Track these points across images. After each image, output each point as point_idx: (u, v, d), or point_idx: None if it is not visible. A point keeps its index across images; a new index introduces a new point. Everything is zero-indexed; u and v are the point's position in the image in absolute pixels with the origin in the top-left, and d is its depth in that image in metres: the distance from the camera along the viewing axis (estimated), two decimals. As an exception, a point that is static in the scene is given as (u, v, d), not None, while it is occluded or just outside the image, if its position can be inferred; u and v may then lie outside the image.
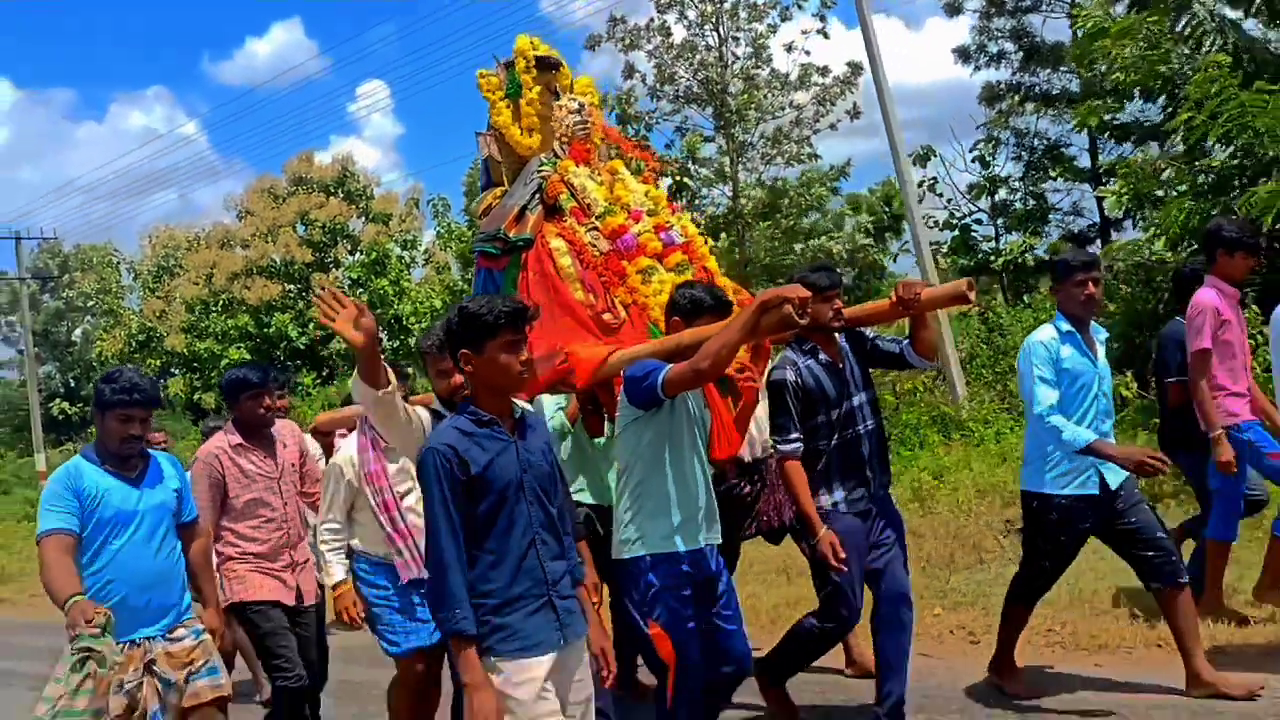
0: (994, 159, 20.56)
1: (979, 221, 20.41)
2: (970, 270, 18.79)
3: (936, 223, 19.95)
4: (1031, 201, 20.86)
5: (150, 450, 4.23)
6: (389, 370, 3.64)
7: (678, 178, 18.82)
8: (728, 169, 19.69)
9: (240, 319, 26.13)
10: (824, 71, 19.12)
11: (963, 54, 22.04)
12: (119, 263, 34.51)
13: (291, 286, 27.00)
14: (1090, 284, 4.93)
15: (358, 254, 26.99)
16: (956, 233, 19.82)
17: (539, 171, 5.43)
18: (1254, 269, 5.94)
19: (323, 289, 3.63)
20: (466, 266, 25.39)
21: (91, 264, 35.29)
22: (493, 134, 5.70)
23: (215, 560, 4.88)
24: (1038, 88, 21.47)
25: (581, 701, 3.36)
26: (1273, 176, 8.61)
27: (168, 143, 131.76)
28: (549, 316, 4.97)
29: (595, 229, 5.20)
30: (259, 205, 27.66)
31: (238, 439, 5.15)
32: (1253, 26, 12.60)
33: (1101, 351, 5.05)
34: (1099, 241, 20.40)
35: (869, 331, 4.99)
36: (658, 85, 19.23)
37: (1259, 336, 6.71)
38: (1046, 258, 17.83)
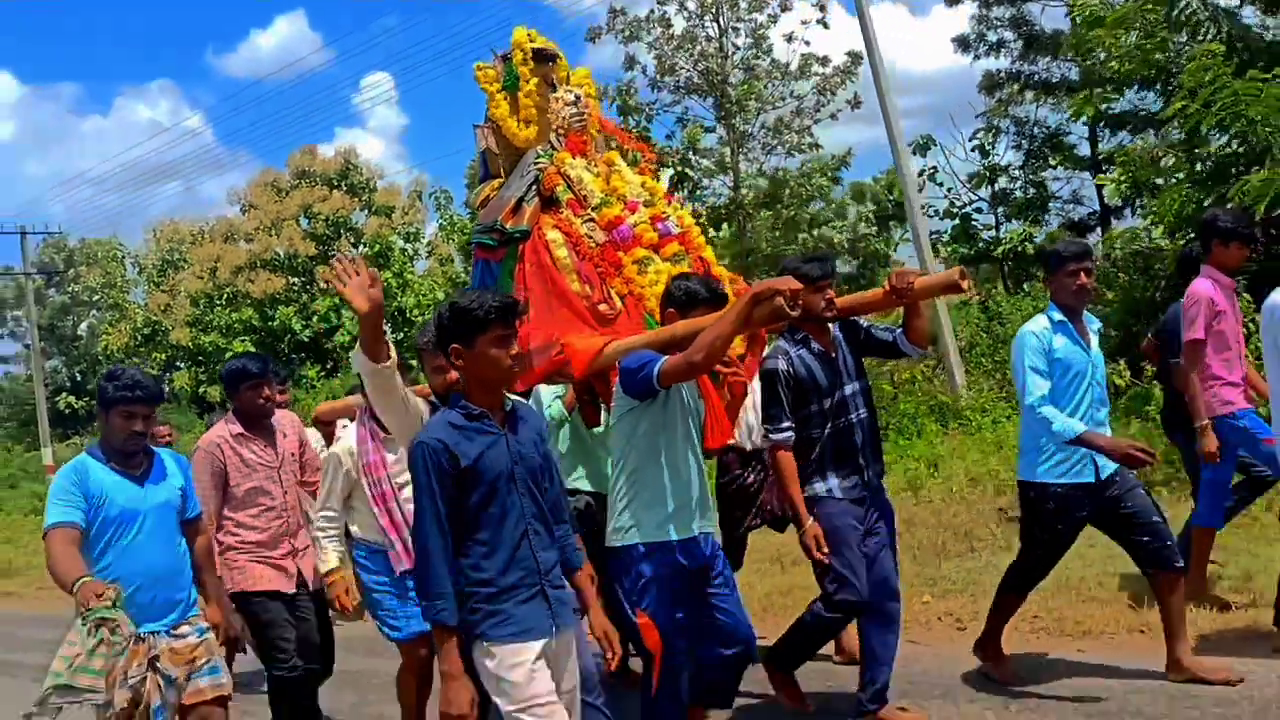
0: (994, 148, 20.59)
1: (979, 210, 20.46)
2: (970, 259, 18.82)
3: (936, 212, 19.98)
4: (1031, 190, 20.88)
5: (154, 448, 4.28)
6: (390, 346, 3.69)
7: (679, 168, 18.85)
8: (729, 159, 19.70)
9: (244, 312, 26.23)
10: (824, 61, 19.13)
11: (962, 43, 22.03)
12: (124, 257, 34.55)
13: (295, 280, 27.08)
14: (1082, 274, 4.95)
15: (361, 247, 27.02)
16: (956, 221, 19.84)
17: (536, 163, 5.46)
18: (1249, 258, 5.99)
19: (342, 254, 3.66)
20: (469, 258, 25.33)
21: (96, 258, 35.26)
22: (490, 126, 5.74)
23: (216, 549, 4.94)
24: (1037, 76, 21.44)
25: (570, 690, 3.42)
26: (1266, 164, 8.63)
27: (173, 136, 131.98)
28: (545, 308, 5.02)
29: (592, 220, 5.22)
30: (262, 199, 27.71)
31: (238, 428, 5.21)
32: (1249, 14, 12.64)
33: (1095, 341, 5.07)
34: (1099, 229, 20.41)
35: (863, 320, 5.03)
36: (658, 76, 19.24)
37: (1251, 325, 6.74)
38: (1046, 246, 17.84)
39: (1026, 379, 4.88)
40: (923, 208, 16.46)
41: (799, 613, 4.99)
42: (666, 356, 3.98)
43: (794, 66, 19.27)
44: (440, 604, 3.17)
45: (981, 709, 4.96)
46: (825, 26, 19.24)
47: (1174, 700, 4.70)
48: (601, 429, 5.20)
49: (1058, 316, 4.97)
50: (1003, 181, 20.85)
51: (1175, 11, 10.43)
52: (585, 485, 5.59)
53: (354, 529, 5.09)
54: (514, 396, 3.56)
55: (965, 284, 4.48)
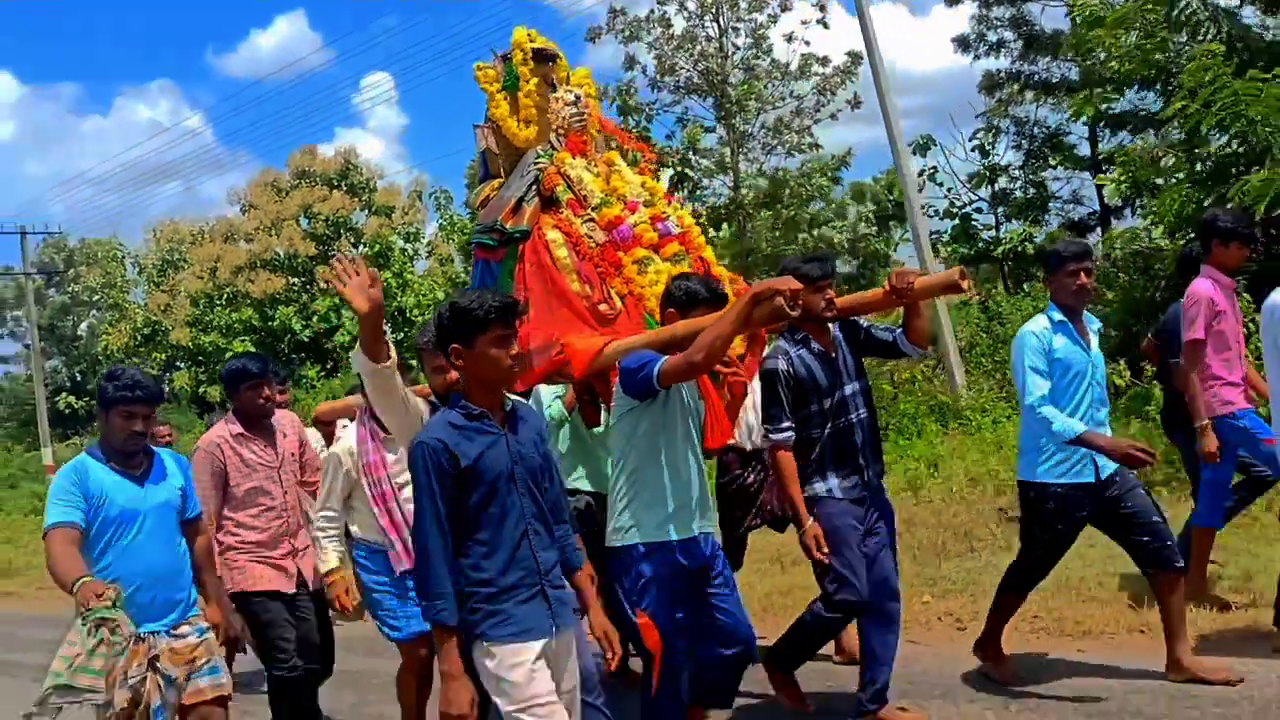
0: (994, 147, 20.59)
1: (979, 210, 20.46)
2: (970, 259, 18.83)
3: (936, 212, 19.99)
4: (1031, 190, 20.89)
5: (154, 448, 4.28)
6: (390, 346, 3.69)
7: (679, 169, 18.86)
8: (729, 159, 19.71)
9: (244, 312, 26.24)
10: (824, 61, 19.14)
11: (962, 43, 22.04)
12: (124, 257, 34.58)
13: (295, 280, 27.09)
14: (1082, 274, 4.95)
15: (361, 247, 27.03)
16: (956, 221, 19.84)
17: (536, 164, 5.47)
18: (1249, 258, 5.99)
19: (342, 254, 3.66)
20: (469, 258, 25.34)
21: (96, 258, 35.27)
22: (490, 126, 5.74)
23: (216, 548, 4.94)
24: (1037, 76, 21.45)
25: (570, 690, 3.42)
26: (1266, 164, 8.63)
27: (173, 136, 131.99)
28: (545, 308, 5.02)
29: (591, 220, 5.23)
30: (262, 199, 27.73)
31: (238, 428, 5.21)
32: (1249, 14, 12.64)
33: (1095, 341, 5.07)
34: (1099, 229, 20.42)
35: (863, 320, 5.03)
36: (658, 76, 19.25)
37: (1251, 325, 6.74)
38: (1046, 246, 17.85)
39: (1026, 379, 4.88)
40: (923, 208, 16.47)
41: (799, 613, 4.99)
42: (666, 356, 3.98)
43: (794, 66, 19.29)
44: (440, 604, 3.17)
45: (981, 709, 4.96)
46: (825, 26, 19.27)
47: (1174, 700, 4.70)
48: (601, 429, 5.20)
49: (1058, 316, 4.97)
50: (1003, 181, 20.86)
51: (1175, 11, 10.44)
52: (585, 485, 5.59)
53: (354, 529, 5.09)
54: (514, 396, 3.56)
55: (965, 284, 4.49)
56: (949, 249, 19.12)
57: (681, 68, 19.17)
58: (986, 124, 20.88)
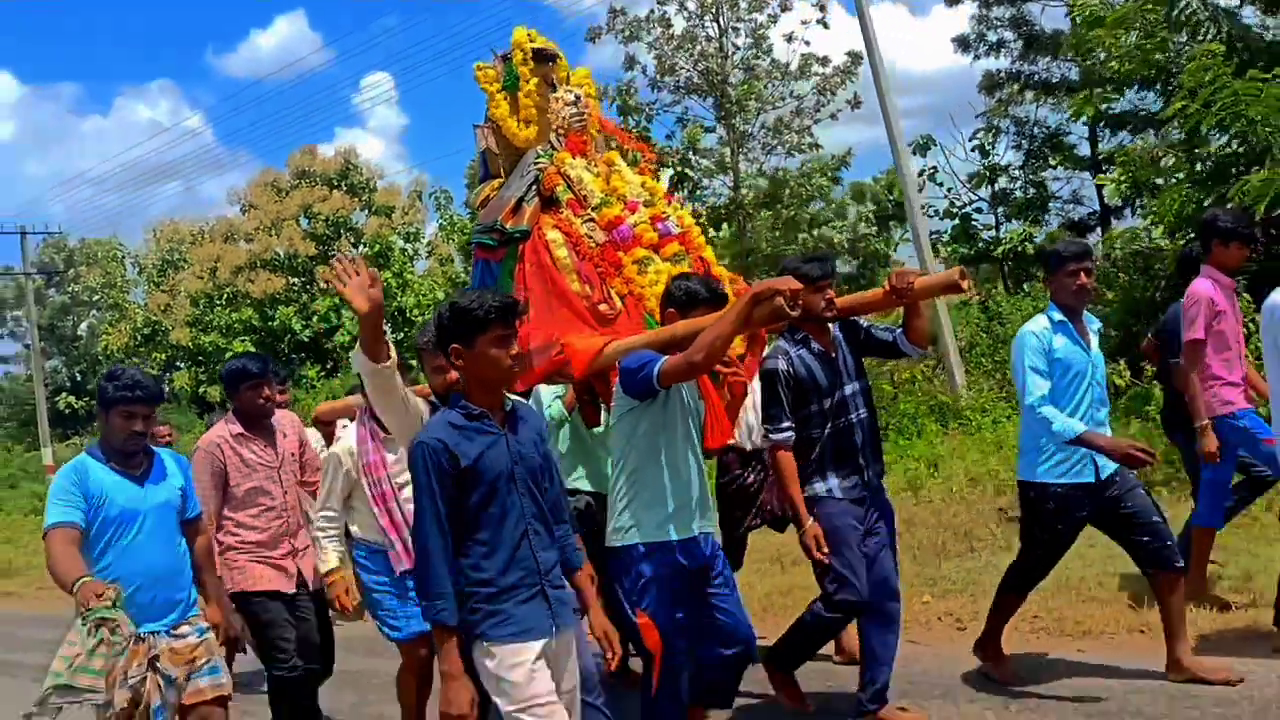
0: (994, 147, 20.59)
1: (979, 210, 20.47)
2: (970, 259, 18.84)
3: (936, 212, 20.00)
4: (1031, 190, 20.90)
5: (154, 448, 4.28)
6: (390, 346, 3.70)
7: (679, 169, 18.86)
8: (729, 159, 19.72)
9: (244, 312, 26.25)
10: (824, 61, 19.14)
11: (962, 43, 22.04)
12: (124, 257, 34.59)
13: (295, 280, 27.09)
14: (1082, 274, 4.95)
15: (361, 247, 27.04)
16: (956, 221, 19.85)
17: (536, 164, 5.47)
18: (1249, 258, 6.00)
19: (342, 254, 3.66)
20: (469, 258, 25.35)
21: (96, 258, 35.28)
22: (490, 126, 5.74)
23: (216, 548, 4.94)
24: (1037, 76, 21.45)
25: (570, 690, 3.42)
26: (1266, 164, 8.63)
27: (173, 136, 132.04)
28: (545, 308, 5.02)
29: (591, 220, 5.22)
30: (262, 199, 27.74)
31: (238, 428, 5.21)
32: (1249, 14, 12.64)
33: (1095, 341, 5.07)
34: (1099, 229, 20.42)
35: (863, 320, 5.03)
36: (658, 76, 19.26)
37: (1251, 325, 6.74)
38: (1046, 246, 17.86)
39: (1026, 379, 4.88)
40: (923, 208, 16.47)
41: (799, 613, 4.99)
42: (666, 356, 3.98)
43: (794, 66, 19.30)
44: (440, 604, 3.18)
45: (981, 709, 4.96)
46: (825, 26, 19.28)
47: (1174, 700, 4.70)
48: (601, 429, 5.20)
49: (1058, 316, 4.97)
50: (1003, 181, 20.87)
51: (1175, 11, 10.44)
52: (585, 485, 5.59)
53: (354, 529, 5.09)
54: (514, 396, 3.56)
55: (965, 284, 4.49)
56: (949, 249, 19.12)
57: (681, 68, 19.17)
58: (986, 124, 20.89)
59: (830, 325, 4.83)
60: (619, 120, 17.70)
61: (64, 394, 38.01)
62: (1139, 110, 17.17)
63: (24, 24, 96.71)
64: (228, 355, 23.69)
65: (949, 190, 20.45)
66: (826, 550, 4.56)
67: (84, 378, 39.90)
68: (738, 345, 4.59)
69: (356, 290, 3.43)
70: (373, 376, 3.69)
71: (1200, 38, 10.40)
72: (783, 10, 19.11)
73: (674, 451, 4.21)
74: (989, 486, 9.99)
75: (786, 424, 4.68)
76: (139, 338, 28.15)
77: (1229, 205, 8.20)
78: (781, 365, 4.70)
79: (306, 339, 26.18)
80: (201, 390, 26.18)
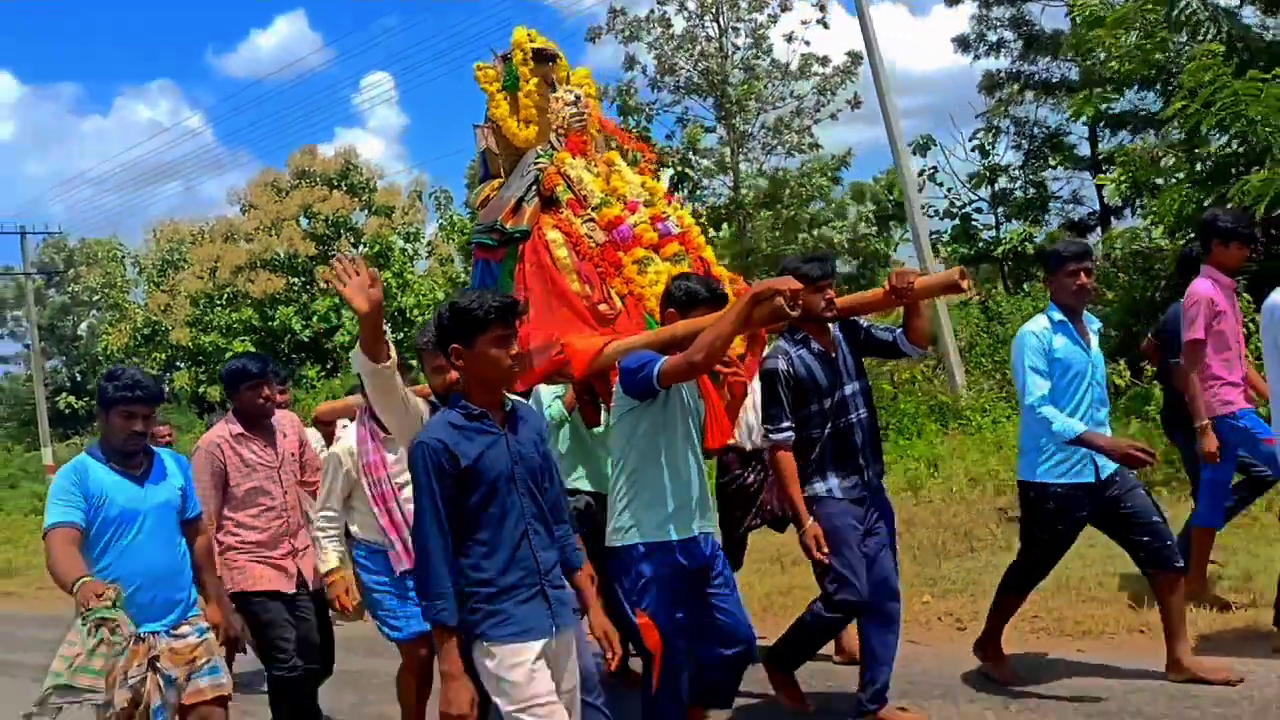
0: (994, 147, 20.61)
1: (979, 210, 20.48)
2: (970, 259, 18.86)
3: (936, 212, 20.02)
4: (1031, 190, 20.93)
5: (154, 448, 4.28)
6: (390, 346, 3.70)
7: (679, 168, 18.87)
8: (729, 159, 19.74)
9: (244, 312, 26.26)
10: (824, 61, 19.16)
11: (962, 43, 22.06)
12: (124, 257, 34.61)
13: (295, 280, 27.10)
14: (1082, 274, 4.94)
15: (361, 247, 27.04)
16: (956, 221, 19.87)
17: (536, 164, 5.46)
18: (1249, 258, 6.00)
19: (342, 254, 3.66)
20: (469, 258, 25.36)
21: (96, 258, 35.30)
22: (490, 126, 5.74)
23: (216, 548, 4.94)
24: (1037, 76, 21.48)
25: (570, 690, 3.42)
26: (1266, 164, 8.64)
27: (173, 136, 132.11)
28: (545, 308, 5.02)
29: (591, 220, 5.22)
30: (262, 199, 27.75)
31: (238, 428, 5.21)
32: (1249, 14, 12.65)
33: (1095, 341, 5.07)
34: (1099, 229, 20.44)
35: (863, 320, 5.03)
36: (658, 76, 19.29)
37: (1251, 325, 6.75)
38: (1046, 246, 17.88)
39: (1026, 379, 4.88)
40: (923, 208, 16.49)
41: (799, 613, 4.99)
42: (666, 356, 3.98)
43: (794, 66, 19.33)
44: (440, 604, 3.18)
45: (981, 709, 4.96)
46: (825, 26, 19.32)
47: (1174, 700, 4.70)
48: (601, 429, 5.20)
49: (1058, 316, 4.97)
50: (1003, 181, 20.89)
51: (1175, 11, 10.44)
52: (585, 485, 5.59)
53: (354, 529, 5.09)
54: (514, 396, 3.56)
55: (965, 284, 4.48)
56: (949, 249, 19.14)
57: (681, 68, 19.19)
58: (986, 124, 20.92)
59: (830, 325, 4.82)
60: (619, 120, 17.71)
61: (64, 394, 38.04)
62: (1139, 110, 17.18)
63: (24, 24, 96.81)
64: (228, 355, 23.69)
65: (949, 190, 20.50)
66: (826, 550, 4.56)
67: (84, 378, 39.91)
68: (738, 345, 4.59)
69: (356, 290, 3.43)
70: (373, 376, 3.69)
71: (1200, 38, 10.41)
72: (783, 10, 19.15)
73: (674, 451, 4.21)
74: (989, 486, 10.00)
75: (786, 424, 4.67)
76: (139, 338, 28.16)
77: (1229, 205, 8.20)
78: (781, 365, 4.70)
79: (306, 339, 26.19)
80: (201, 390, 26.19)
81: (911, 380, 13.44)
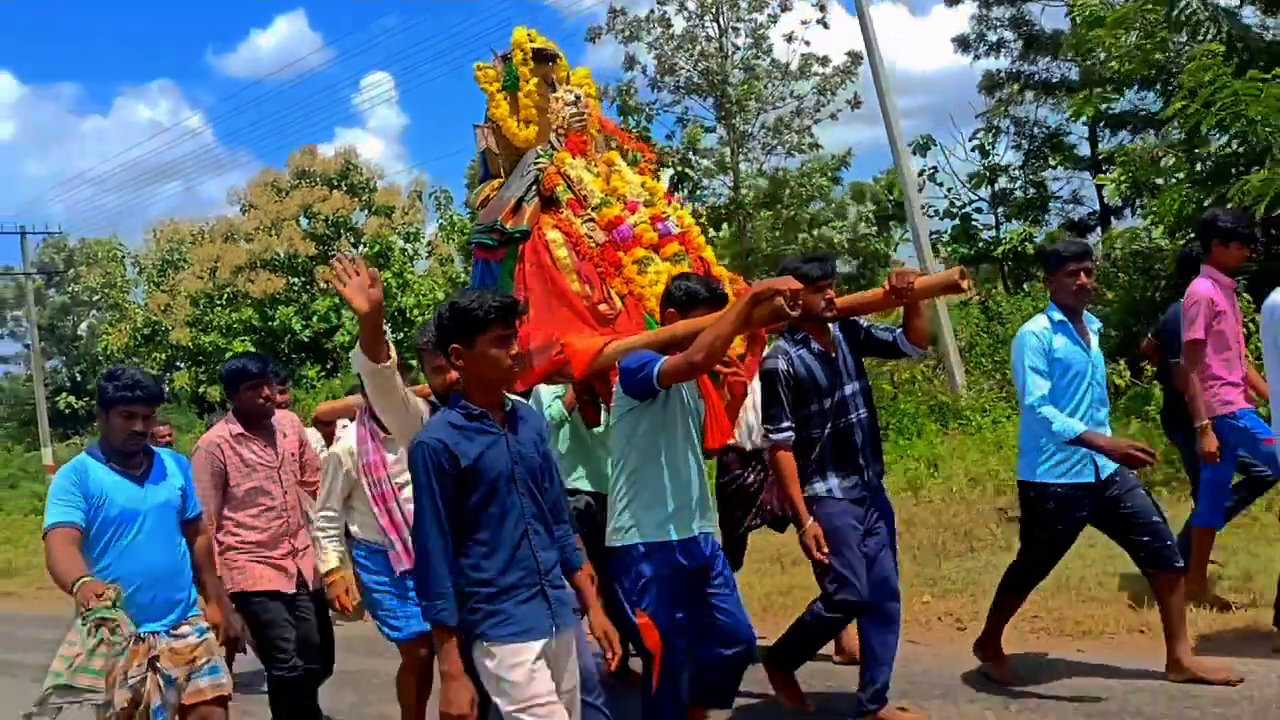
0: (994, 147, 20.62)
1: (979, 210, 20.48)
2: (970, 259, 18.86)
3: (936, 212, 20.02)
4: (1031, 190, 20.93)
5: (154, 448, 4.28)
6: (390, 346, 3.70)
7: (679, 168, 18.87)
8: (729, 159, 19.74)
9: (244, 312, 26.26)
10: (824, 61, 19.17)
11: (962, 43, 22.07)
12: (124, 257, 34.62)
13: (295, 280, 27.10)
14: (1082, 274, 4.94)
15: (361, 247, 27.04)
16: (956, 221, 19.87)
17: (536, 164, 5.46)
18: (1249, 258, 6.00)
19: (342, 254, 3.66)
20: (469, 258, 25.36)
21: (96, 258, 35.31)
22: (490, 126, 5.74)
23: (216, 548, 4.94)
24: (1037, 76, 21.49)
25: (570, 690, 3.42)
26: (1266, 164, 8.64)
27: (173, 136, 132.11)
28: (545, 308, 5.02)
29: (591, 220, 5.22)
30: (262, 199, 27.76)
31: (238, 428, 5.21)
32: (1249, 14, 12.65)
33: (1095, 341, 5.07)
34: (1099, 229, 20.45)
35: (863, 320, 5.03)
36: (658, 76, 19.30)
37: (1251, 325, 6.75)
38: (1046, 246, 17.88)
39: (1026, 379, 4.88)
40: (923, 208, 16.49)
41: (799, 613, 4.99)
42: (666, 356, 3.98)
43: (794, 66, 19.33)
44: (440, 604, 3.18)
45: (981, 709, 4.96)
46: (825, 26, 19.33)
47: (1174, 700, 4.70)
48: (601, 429, 5.20)
49: (1058, 316, 4.97)
50: (1003, 181, 20.90)
51: (1175, 11, 10.44)
52: (585, 485, 5.59)
53: (354, 529, 5.09)
54: (514, 396, 3.56)
55: (965, 284, 4.48)
56: (949, 249, 19.14)
57: (681, 68, 19.20)
58: (986, 124, 20.92)
59: (830, 325, 4.82)
60: (619, 120, 17.72)
61: (64, 394, 38.04)
62: (1139, 110, 17.19)
63: (24, 24, 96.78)
64: (228, 355, 23.68)
65: (949, 190, 20.51)
66: (826, 550, 4.56)
67: (84, 378, 39.92)
68: (738, 345, 4.59)
69: (356, 290, 3.43)
70: (373, 376, 3.69)
71: (1200, 38, 10.41)
72: (783, 10, 19.16)
73: (674, 451, 4.21)
74: (989, 486, 10.00)
75: (786, 424, 4.67)
76: (139, 338, 28.17)
77: (1229, 205, 8.20)
78: (781, 365, 4.70)
79: (306, 339, 26.19)
80: (201, 390, 26.19)
81: (911, 380, 13.44)
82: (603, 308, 4.95)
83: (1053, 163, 20.67)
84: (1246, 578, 6.33)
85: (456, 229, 27.54)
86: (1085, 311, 5.08)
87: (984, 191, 20.78)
